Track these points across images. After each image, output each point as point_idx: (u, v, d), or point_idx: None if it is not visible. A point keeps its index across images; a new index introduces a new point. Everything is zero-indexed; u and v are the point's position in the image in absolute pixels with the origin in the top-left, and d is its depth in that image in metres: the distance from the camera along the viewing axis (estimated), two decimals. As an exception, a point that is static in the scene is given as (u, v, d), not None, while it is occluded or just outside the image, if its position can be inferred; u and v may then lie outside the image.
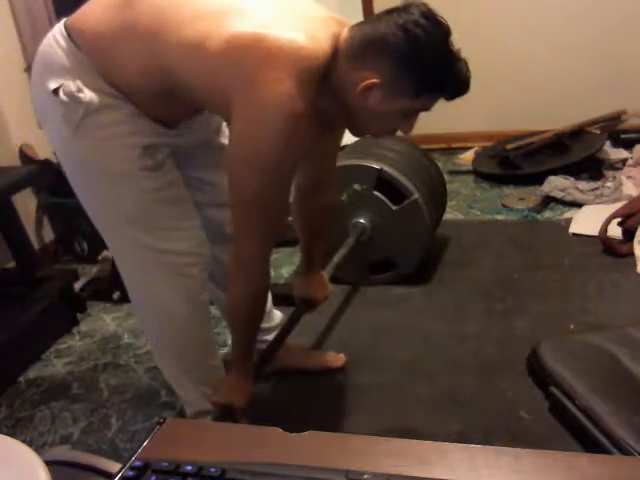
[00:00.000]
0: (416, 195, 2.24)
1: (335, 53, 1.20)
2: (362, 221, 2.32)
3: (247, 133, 1.18)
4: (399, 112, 1.23)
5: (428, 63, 1.16)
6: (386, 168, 2.26)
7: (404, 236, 2.31)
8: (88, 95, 1.27)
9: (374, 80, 1.17)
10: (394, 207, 2.28)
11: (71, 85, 1.26)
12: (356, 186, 2.30)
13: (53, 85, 1.28)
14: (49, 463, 0.66)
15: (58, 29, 1.32)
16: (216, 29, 1.18)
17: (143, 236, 1.41)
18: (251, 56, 1.14)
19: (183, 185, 1.47)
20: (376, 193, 2.29)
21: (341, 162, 2.35)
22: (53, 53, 1.30)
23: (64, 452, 0.75)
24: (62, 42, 1.29)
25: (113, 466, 0.68)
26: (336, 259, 2.11)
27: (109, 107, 1.29)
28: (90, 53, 1.28)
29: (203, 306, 1.57)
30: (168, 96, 1.30)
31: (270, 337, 1.85)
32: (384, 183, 2.28)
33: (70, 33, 1.29)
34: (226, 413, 1.47)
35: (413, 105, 1.22)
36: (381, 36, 1.16)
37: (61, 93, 1.27)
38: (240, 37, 1.15)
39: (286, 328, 1.82)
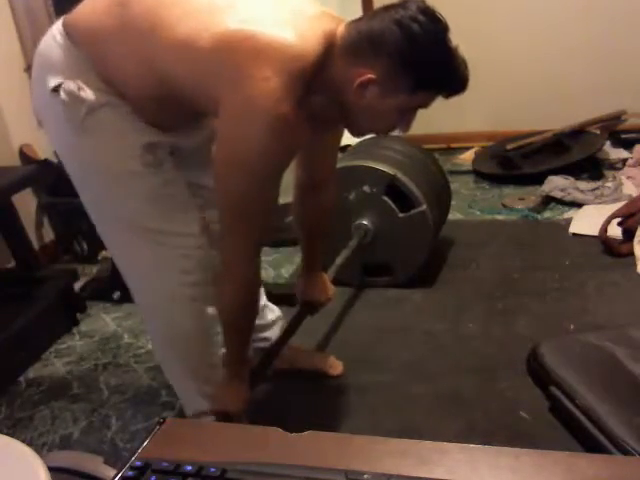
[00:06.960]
0: (424, 207, 2.24)
1: (329, 50, 1.19)
2: (366, 223, 2.31)
3: (233, 133, 1.17)
4: (396, 109, 1.21)
5: (425, 59, 1.15)
6: (400, 175, 2.25)
7: (405, 244, 2.31)
8: (89, 93, 1.26)
9: (370, 76, 1.16)
10: (401, 214, 2.27)
11: (71, 84, 1.26)
12: (366, 188, 2.29)
13: (53, 83, 1.27)
14: (52, 469, 0.65)
15: (56, 27, 1.31)
16: (206, 26, 1.17)
17: (145, 237, 1.41)
18: (239, 53, 1.13)
19: (184, 184, 1.46)
20: (385, 198, 2.28)
21: (352, 162, 2.35)
22: (52, 51, 1.30)
23: (66, 458, 0.73)
24: (60, 40, 1.29)
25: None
26: (339, 261, 2.11)
27: (109, 105, 1.29)
28: (87, 51, 1.28)
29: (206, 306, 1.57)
30: (163, 103, 1.29)
31: (266, 334, 1.85)
32: (394, 188, 2.27)
33: (68, 31, 1.29)
34: (223, 420, 1.45)
35: (410, 102, 1.21)
36: (378, 32, 1.15)
37: (62, 92, 1.27)
38: (229, 34, 1.15)
39: (288, 330, 1.81)
